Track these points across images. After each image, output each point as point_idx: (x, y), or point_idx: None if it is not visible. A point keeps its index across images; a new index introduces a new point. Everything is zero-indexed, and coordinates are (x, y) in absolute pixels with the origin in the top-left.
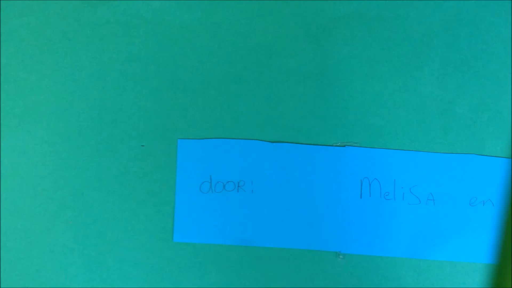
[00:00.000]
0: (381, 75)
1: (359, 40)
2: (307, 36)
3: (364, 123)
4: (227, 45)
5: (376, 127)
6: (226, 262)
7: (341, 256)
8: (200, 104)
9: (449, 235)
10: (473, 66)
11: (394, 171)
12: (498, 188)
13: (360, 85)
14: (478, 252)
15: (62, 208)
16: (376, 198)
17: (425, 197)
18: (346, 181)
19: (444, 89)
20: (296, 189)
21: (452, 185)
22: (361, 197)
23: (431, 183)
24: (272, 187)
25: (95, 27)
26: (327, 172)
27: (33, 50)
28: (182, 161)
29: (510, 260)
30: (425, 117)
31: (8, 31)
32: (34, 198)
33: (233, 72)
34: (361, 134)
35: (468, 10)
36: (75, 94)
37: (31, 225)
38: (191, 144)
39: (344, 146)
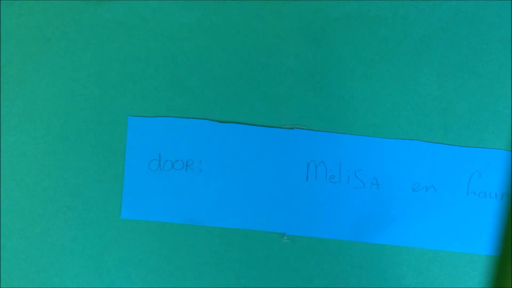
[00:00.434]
0: (381, 75)
1: (359, 40)
2: (307, 36)
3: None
4: (227, 45)
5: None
6: (172, 240)
7: (286, 238)
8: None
9: (391, 220)
10: (473, 66)
11: (340, 154)
12: (441, 174)
13: (360, 85)
14: (419, 237)
15: (62, 208)
16: (322, 181)
17: (369, 181)
18: (293, 163)
19: (444, 89)
20: (244, 169)
21: (396, 170)
22: (307, 180)
23: (375, 167)
24: (220, 167)
25: (95, 27)
26: (275, 153)
27: (33, 50)
28: (132, 138)
29: (510, 254)
30: (425, 117)
31: (8, 31)
32: (34, 198)
33: (233, 72)
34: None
35: (468, 10)
36: (75, 94)
37: (31, 225)
38: (141, 122)
39: (292, 128)
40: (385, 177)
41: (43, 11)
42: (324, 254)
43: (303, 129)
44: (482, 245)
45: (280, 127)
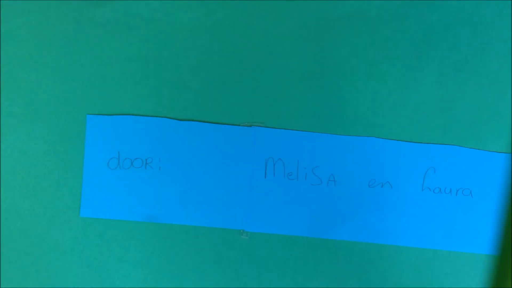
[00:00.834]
0: (381, 75)
1: (359, 40)
2: (307, 36)
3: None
4: (227, 45)
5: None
6: (132, 238)
7: (244, 234)
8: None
9: (348, 215)
10: (473, 66)
11: (297, 151)
12: (397, 170)
13: (360, 85)
14: (375, 232)
15: (62, 208)
16: (280, 178)
17: (326, 178)
18: (252, 161)
19: (444, 89)
20: (203, 167)
21: (352, 167)
22: (265, 177)
23: (332, 164)
24: (179, 165)
25: (95, 27)
26: (233, 151)
27: (33, 50)
28: (91, 136)
29: (510, 254)
30: (425, 117)
31: (8, 31)
32: (34, 198)
33: (233, 72)
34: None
35: (468, 10)
36: (75, 94)
37: (31, 225)
38: (100, 120)
39: (250, 126)
40: (342, 173)
41: (43, 11)
42: (282, 250)
43: (261, 126)
44: (440, 241)
45: (239, 125)
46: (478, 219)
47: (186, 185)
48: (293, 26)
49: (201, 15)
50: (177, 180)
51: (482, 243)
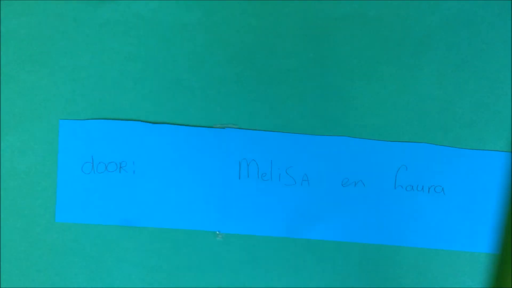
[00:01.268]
0: (381, 75)
1: (359, 40)
2: (307, 36)
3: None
4: (227, 45)
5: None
6: (108, 242)
7: (219, 236)
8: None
9: (322, 215)
10: (473, 66)
11: (271, 152)
12: (369, 169)
13: (360, 85)
14: (349, 231)
15: (38, 213)
16: (254, 179)
17: (300, 178)
18: (226, 162)
19: (444, 89)
20: (177, 170)
21: (325, 166)
22: (239, 178)
23: (306, 164)
24: (154, 168)
25: (95, 27)
26: (207, 153)
27: (33, 50)
28: (64, 141)
29: (510, 252)
30: (425, 117)
31: (8, 31)
32: (34, 198)
33: (233, 71)
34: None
35: (468, 10)
36: (75, 94)
37: (31, 225)
38: (73, 125)
39: (224, 128)
40: (315, 173)
41: (43, 11)
42: (257, 251)
43: (234, 128)
44: (414, 238)
45: (212, 127)
46: (450, 216)
47: (161, 188)
48: (293, 26)
49: (201, 15)
50: (151, 183)
51: (455, 239)
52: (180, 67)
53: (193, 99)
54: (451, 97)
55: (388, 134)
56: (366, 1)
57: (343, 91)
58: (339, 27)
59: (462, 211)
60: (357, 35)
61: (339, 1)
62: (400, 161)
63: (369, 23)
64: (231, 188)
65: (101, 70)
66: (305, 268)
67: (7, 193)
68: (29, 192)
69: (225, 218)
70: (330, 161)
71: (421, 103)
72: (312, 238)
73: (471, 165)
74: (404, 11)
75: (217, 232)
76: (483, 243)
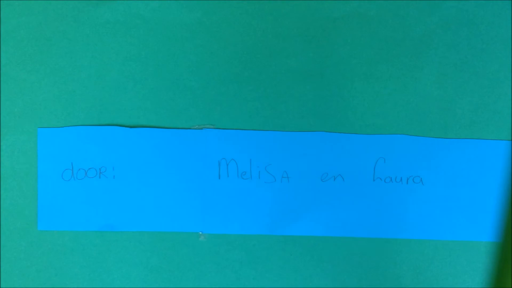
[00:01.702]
0: (381, 75)
1: (359, 40)
2: (307, 36)
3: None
4: (227, 45)
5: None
6: (91, 248)
7: (202, 236)
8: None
9: (303, 211)
10: (473, 66)
11: (249, 151)
12: (347, 163)
13: (360, 85)
14: (331, 226)
15: (21, 221)
16: (234, 178)
17: (279, 175)
18: (205, 163)
19: (444, 89)
20: (157, 172)
21: (304, 162)
22: (219, 178)
23: (284, 161)
24: (133, 172)
25: (95, 27)
26: (186, 154)
27: (33, 50)
28: (43, 149)
29: (510, 241)
30: (425, 117)
31: (8, 31)
32: (34, 198)
33: (233, 72)
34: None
35: (468, 10)
36: (75, 94)
37: (31, 225)
38: (51, 133)
39: (201, 128)
40: (295, 169)
41: (43, 11)
42: (240, 250)
43: (212, 128)
44: (394, 229)
45: (190, 128)
46: (430, 206)
47: (141, 191)
48: (293, 26)
49: (201, 15)
50: (132, 187)
51: (435, 229)
52: (180, 68)
53: (170, 101)
54: (451, 97)
55: (389, 134)
56: (366, 1)
57: (343, 91)
58: (339, 27)
59: (441, 201)
60: (357, 35)
61: (339, 1)
62: (378, 154)
63: (369, 23)
64: (212, 188)
65: (101, 70)
66: (290, 265)
67: None
68: (11, 201)
69: (207, 218)
70: (308, 157)
71: (421, 103)
72: (295, 234)
73: (449, 154)
74: (404, 11)
75: (200, 233)
76: (463, 232)
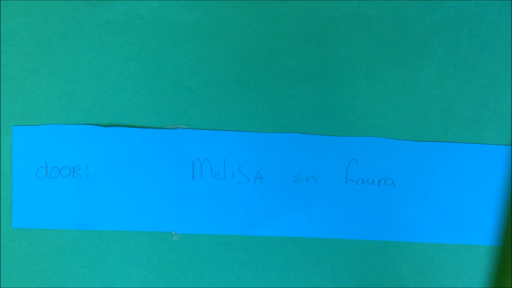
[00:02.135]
0: (381, 75)
1: (359, 40)
2: (307, 36)
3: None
4: (227, 45)
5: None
6: (65, 246)
7: (175, 236)
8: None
9: (276, 212)
10: (473, 66)
11: (223, 151)
12: (320, 164)
13: (360, 85)
14: (303, 227)
15: None
16: (208, 178)
17: (253, 176)
18: (179, 163)
19: (444, 89)
20: (130, 172)
21: (277, 163)
22: (193, 178)
23: (258, 162)
24: (107, 171)
25: (95, 27)
26: (160, 154)
27: (33, 50)
28: (18, 147)
29: (510, 244)
30: (425, 117)
31: (8, 31)
32: (9, 196)
33: (233, 72)
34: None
35: (468, 10)
36: (75, 94)
37: (5, 222)
38: (26, 131)
39: (176, 128)
40: (268, 170)
41: (43, 11)
42: (213, 250)
43: (186, 128)
44: (365, 231)
45: (164, 128)
46: (401, 208)
47: (115, 190)
48: (293, 26)
49: (201, 15)
50: (105, 186)
51: (407, 230)
52: (180, 68)
53: (146, 101)
54: (451, 97)
55: (388, 134)
56: (366, 1)
57: (343, 91)
58: (339, 27)
59: (413, 203)
60: (357, 35)
61: (339, 1)
62: (350, 156)
63: (369, 23)
64: (185, 188)
65: (101, 70)
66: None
67: None
68: None
69: (181, 218)
70: (282, 158)
71: (421, 103)
72: (267, 235)
73: (420, 156)
74: (404, 11)
75: (173, 233)
76: (434, 234)
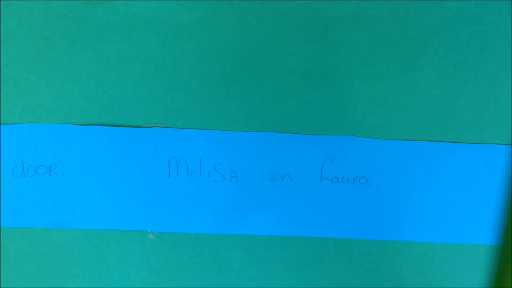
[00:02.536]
0: (381, 75)
1: (359, 40)
2: (307, 36)
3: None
4: (227, 45)
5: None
6: (39, 245)
7: (151, 235)
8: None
9: (251, 210)
10: (473, 66)
11: (199, 150)
12: (296, 163)
13: (360, 85)
14: (279, 225)
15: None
16: (183, 176)
17: (229, 174)
18: (155, 161)
19: (444, 89)
20: (107, 170)
21: (253, 162)
22: (169, 176)
23: (234, 160)
24: (83, 170)
25: (95, 27)
26: (136, 152)
27: (33, 50)
28: None
29: (510, 244)
30: (425, 117)
31: (8, 31)
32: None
33: (232, 72)
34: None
35: (468, 10)
36: (75, 94)
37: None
38: (2, 129)
39: (152, 127)
40: (244, 169)
41: (43, 11)
42: (189, 248)
43: (162, 127)
44: (339, 229)
45: (140, 126)
46: (375, 206)
47: (91, 189)
48: (293, 26)
49: (201, 15)
50: (81, 185)
51: (381, 229)
52: (180, 68)
53: (124, 99)
54: (451, 97)
55: (388, 134)
56: (366, 1)
57: (342, 91)
58: (339, 27)
59: (386, 201)
60: (357, 35)
61: (339, 1)
62: (325, 154)
63: (369, 23)
64: (161, 187)
65: (101, 70)
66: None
67: None
68: None
69: (157, 217)
70: (257, 157)
71: (421, 103)
72: (242, 233)
73: (394, 155)
74: (404, 11)
75: (149, 231)
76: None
